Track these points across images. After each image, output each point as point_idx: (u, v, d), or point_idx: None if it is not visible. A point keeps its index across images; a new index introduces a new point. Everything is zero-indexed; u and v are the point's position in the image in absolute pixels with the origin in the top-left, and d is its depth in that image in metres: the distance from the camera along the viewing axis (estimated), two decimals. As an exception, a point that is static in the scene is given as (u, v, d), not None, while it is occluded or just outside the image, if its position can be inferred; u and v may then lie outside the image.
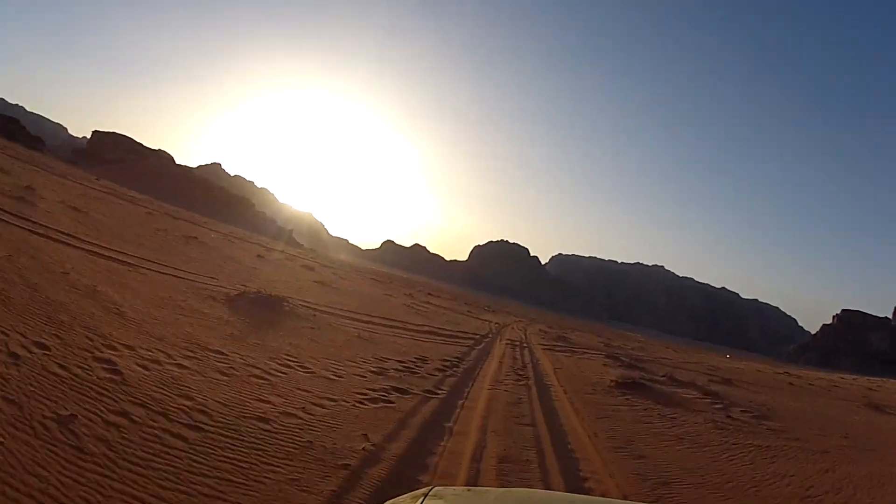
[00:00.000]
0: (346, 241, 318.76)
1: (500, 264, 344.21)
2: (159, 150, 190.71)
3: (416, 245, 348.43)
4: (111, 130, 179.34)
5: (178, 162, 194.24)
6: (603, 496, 5.90)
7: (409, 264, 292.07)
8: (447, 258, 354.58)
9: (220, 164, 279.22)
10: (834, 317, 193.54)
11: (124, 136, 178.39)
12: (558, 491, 6.01)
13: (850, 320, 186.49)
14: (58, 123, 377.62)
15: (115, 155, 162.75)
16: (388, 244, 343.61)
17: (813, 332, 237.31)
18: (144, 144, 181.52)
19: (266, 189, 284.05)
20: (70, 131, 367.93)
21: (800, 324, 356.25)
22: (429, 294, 57.78)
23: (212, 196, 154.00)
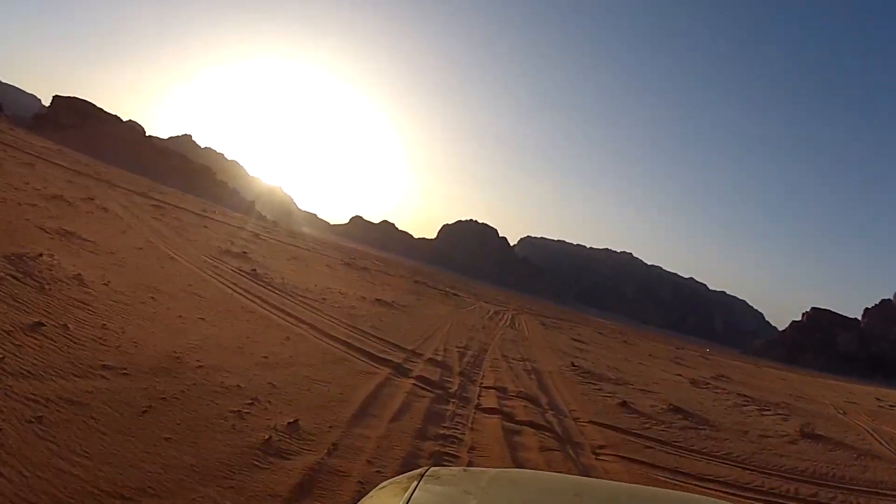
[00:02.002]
0: (315, 215, 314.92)
1: (468, 243, 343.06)
2: (130, 121, 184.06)
3: (385, 222, 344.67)
4: (72, 95, 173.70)
5: (149, 133, 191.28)
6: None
7: (376, 240, 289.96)
8: (418, 237, 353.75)
9: (190, 136, 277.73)
10: (803, 314, 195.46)
11: (84, 100, 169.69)
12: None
13: (819, 319, 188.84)
14: (32, 94, 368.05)
15: (73, 120, 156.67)
16: (357, 220, 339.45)
17: (780, 327, 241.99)
18: (105, 110, 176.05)
19: (236, 162, 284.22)
20: (44, 102, 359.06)
21: (766, 318, 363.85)
22: (346, 264, 41.70)
23: (170, 164, 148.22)
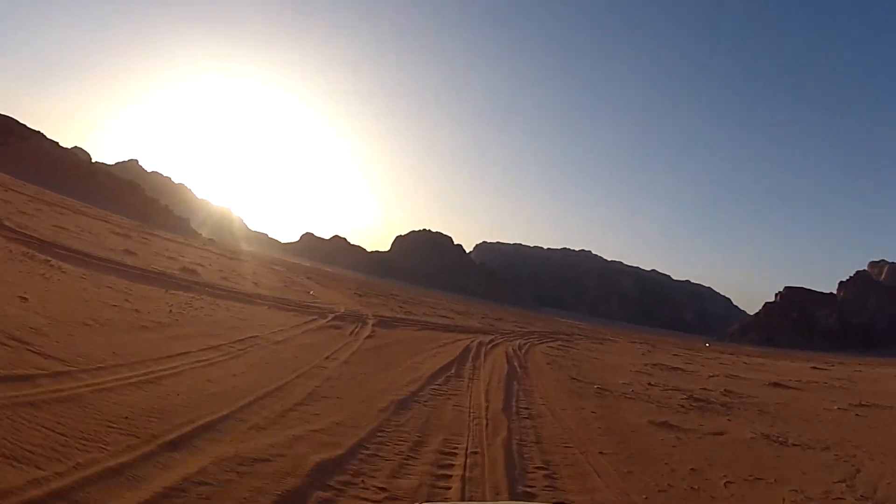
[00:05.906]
0: (266, 235, 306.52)
1: (422, 253, 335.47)
2: (75, 147, 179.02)
3: (336, 237, 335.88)
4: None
5: (97, 159, 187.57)
6: None
7: (327, 256, 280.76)
8: (372, 250, 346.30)
9: (137, 161, 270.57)
10: (777, 294, 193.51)
11: (6, 116, 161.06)
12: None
13: (793, 297, 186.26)
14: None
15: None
16: (308, 237, 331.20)
17: (749, 311, 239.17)
18: (28, 126, 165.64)
19: (184, 185, 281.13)
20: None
21: (735, 303, 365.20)
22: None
23: (95, 182, 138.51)
